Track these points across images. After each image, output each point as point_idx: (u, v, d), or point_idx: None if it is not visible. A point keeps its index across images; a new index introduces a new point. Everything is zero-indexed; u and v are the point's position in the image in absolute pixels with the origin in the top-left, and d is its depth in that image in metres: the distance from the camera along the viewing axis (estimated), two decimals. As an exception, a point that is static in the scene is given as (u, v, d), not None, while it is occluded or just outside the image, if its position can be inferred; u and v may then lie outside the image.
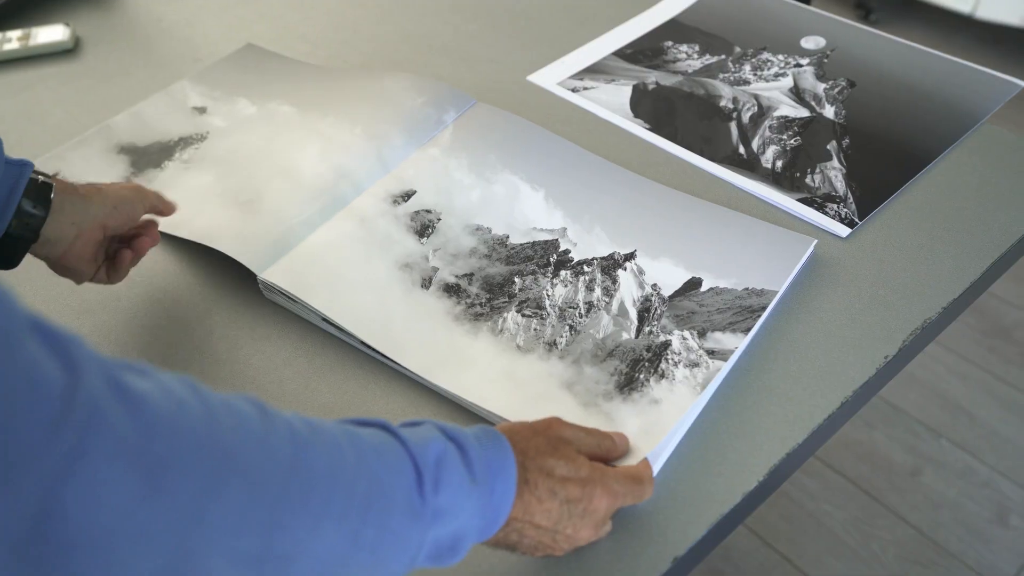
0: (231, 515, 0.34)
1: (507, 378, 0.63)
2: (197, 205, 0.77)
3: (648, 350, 0.64)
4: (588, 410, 0.60)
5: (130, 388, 0.32)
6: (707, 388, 0.61)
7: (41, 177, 0.61)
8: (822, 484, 1.40)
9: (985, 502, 1.37)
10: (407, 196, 0.77)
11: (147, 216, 0.69)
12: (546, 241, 0.73)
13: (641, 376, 0.62)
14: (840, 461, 1.43)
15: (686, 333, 0.65)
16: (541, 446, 0.49)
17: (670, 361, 0.63)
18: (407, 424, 0.47)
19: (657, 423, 0.58)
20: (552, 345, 0.65)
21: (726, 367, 0.62)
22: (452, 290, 0.69)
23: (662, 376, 0.62)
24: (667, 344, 0.64)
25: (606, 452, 0.54)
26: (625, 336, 0.65)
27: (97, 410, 0.30)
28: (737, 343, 0.63)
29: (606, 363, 0.63)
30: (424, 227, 0.74)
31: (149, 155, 0.84)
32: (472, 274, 0.71)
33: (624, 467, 0.54)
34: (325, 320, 0.67)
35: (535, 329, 0.66)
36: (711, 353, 0.63)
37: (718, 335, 0.64)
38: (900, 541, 1.32)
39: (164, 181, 0.81)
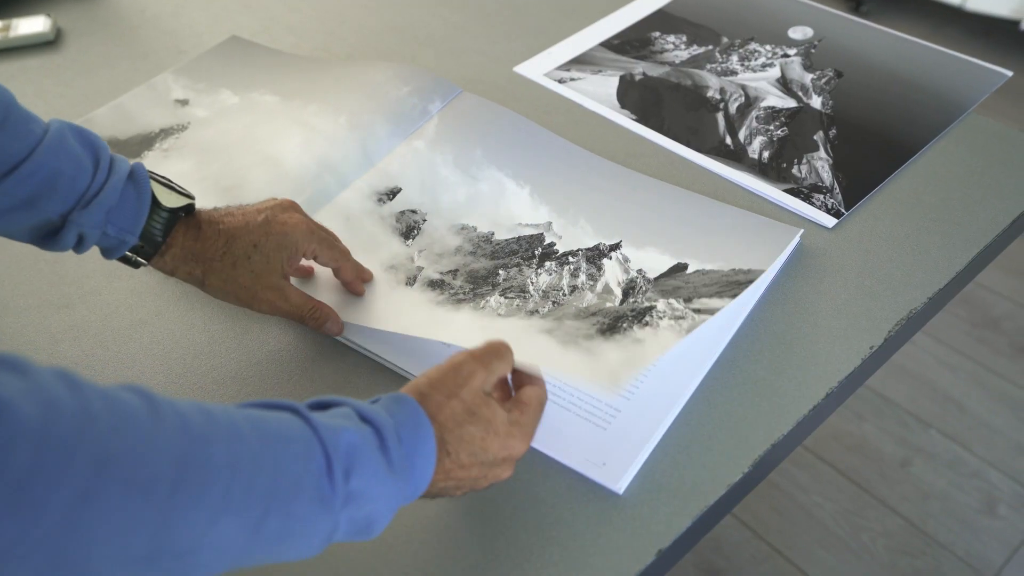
0: (112, 520, 0.33)
1: (487, 331, 0.62)
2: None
3: (632, 311, 0.63)
4: (567, 347, 0.59)
5: None
6: (691, 333, 0.60)
7: (137, 257, 0.62)
8: (812, 476, 1.40)
9: (974, 492, 1.37)
10: (392, 194, 0.76)
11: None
12: (531, 235, 0.72)
13: (624, 325, 0.61)
14: (830, 453, 1.43)
15: (672, 300, 0.64)
16: (458, 414, 0.48)
17: (655, 316, 0.62)
18: (320, 404, 0.45)
19: (639, 356, 0.57)
20: (533, 312, 0.65)
21: (712, 320, 0.61)
22: (436, 284, 0.69)
23: (646, 325, 0.61)
24: (652, 307, 0.63)
25: (507, 372, 0.53)
26: (609, 305, 0.65)
27: None
28: (723, 304, 0.62)
29: (588, 319, 0.63)
30: (410, 228, 0.74)
31: (130, 147, 0.84)
32: (457, 270, 0.70)
33: (526, 397, 0.51)
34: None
35: (517, 305, 0.66)
36: (697, 311, 0.62)
37: (704, 300, 0.63)
38: (890, 532, 1.32)
39: None
